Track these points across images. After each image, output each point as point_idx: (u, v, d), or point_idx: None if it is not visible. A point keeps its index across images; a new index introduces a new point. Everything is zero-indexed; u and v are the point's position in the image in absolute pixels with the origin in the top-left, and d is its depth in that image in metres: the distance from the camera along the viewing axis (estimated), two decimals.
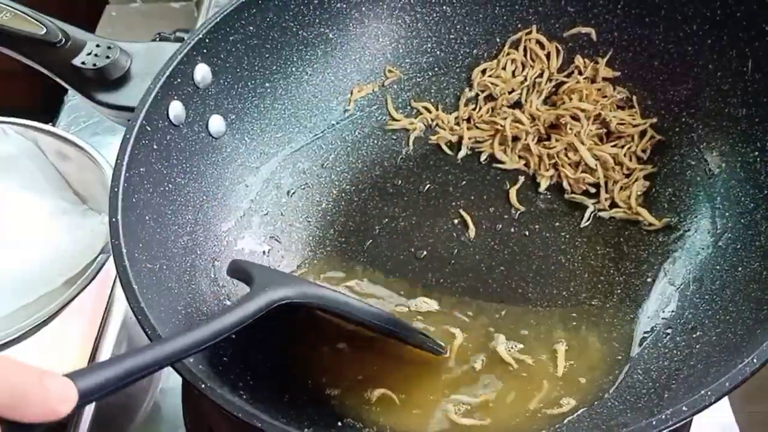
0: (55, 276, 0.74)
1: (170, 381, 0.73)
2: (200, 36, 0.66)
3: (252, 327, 0.48)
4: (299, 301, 0.51)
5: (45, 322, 0.71)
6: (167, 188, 0.63)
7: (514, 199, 0.72)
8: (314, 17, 0.74)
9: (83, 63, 0.70)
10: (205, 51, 0.67)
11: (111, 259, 0.55)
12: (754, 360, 0.46)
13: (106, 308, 0.76)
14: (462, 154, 0.76)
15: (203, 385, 0.48)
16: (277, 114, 0.74)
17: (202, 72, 0.67)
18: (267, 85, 0.73)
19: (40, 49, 0.70)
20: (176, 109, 0.65)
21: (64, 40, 0.70)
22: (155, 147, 0.63)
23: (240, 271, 0.56)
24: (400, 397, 0.59)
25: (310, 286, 0.54)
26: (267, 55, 0.72)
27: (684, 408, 0.45)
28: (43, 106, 1.05)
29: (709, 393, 0.45)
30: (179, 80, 0.65)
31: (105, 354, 0.73)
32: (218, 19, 0.67)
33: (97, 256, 0.74)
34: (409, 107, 0.78)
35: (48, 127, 0.82)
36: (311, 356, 0.63)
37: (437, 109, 0.78)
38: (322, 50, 0.76)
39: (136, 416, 0.70)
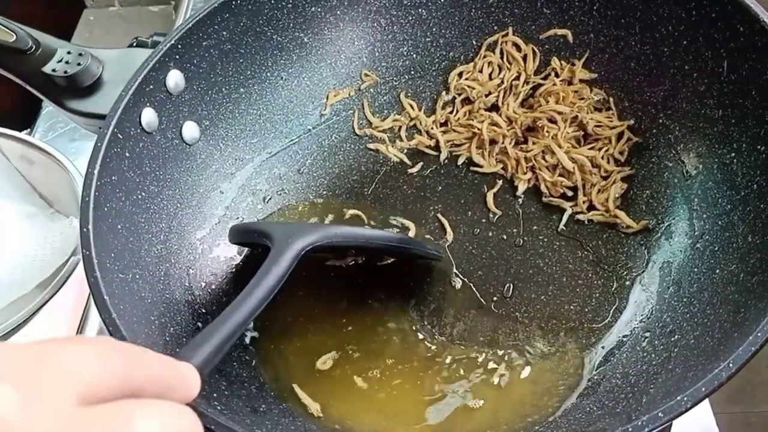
0: (26, 280, 0.73)
1: None
2: (172, 42, 0.65)
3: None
4: (322, 244, 0.55)
5: (18, 327, 0.70)
6: (140, 196, 0.63)
7: (491, 202, 0.71)
8: (288, 21, 0.73)
9: (54, 70, 0.69)
10: (177, 57, 0.66)
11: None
12: (730, 365, 0.46)
13: (84, 310, 0.75)
14: (444, 156, 0.75)
15: None
16: (252, 119, 0.73)
17: (174, 78, 0.66)
18: (241, 90, 0.72)
19: (9, 56, 0.69)
20: (149, 116, 0.64)
21: (34, 47, 0.69)
22: (127, 155, 0.62)
23: (249, 232, 0.61)
24: (377, 408, 0.59)
25: (328, 228, 0.60)
26: (241, 60, 0.71)
27: (660, 414, 0.45)
28: (20, 113, 1.04)
29: (685, 399, 0.45)
30: (151, 87, 0.64)
31: None
32: (190, 25, 0.66)
33: (68, 259, 0.73)
34: (385, 111, 0.78)
35: (11, 131, 0.81)
36: (287, 368, 0.62)
37: (420, 110, 0.78)
38: (297, 54, 0.75)
39: None
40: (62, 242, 0.75)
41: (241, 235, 0.63)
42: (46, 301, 0.71)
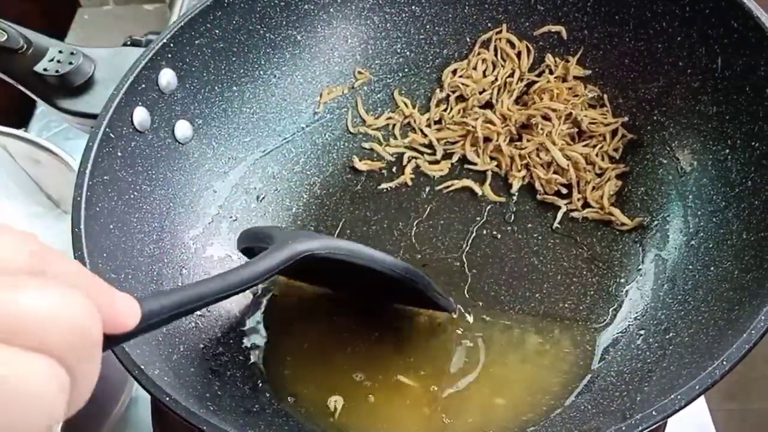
0: None
1: (141, 390, 0.72)
2: (164, 41, 0.65)
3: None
4: (322, 254, 0.51)
5: None
6: (132, 196, 0.62)
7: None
8: (281, 19, 0.73)
9: (45, 69, 0.68)
10: (169, 56, 0.66)
11: None
12: (724, 362, 0.45)
13: None
14: (440, 154, 0.75)
15: (167, 398, 0.48)
16: (245, 118, 0.73)
17: (167, 77, 0.66)
18: (234, 88, 0.72)
19: (1, 56, 0.69)
20: (141, 115, 0.64)
21: (26, 46, 0.69)
22: (119, 154, 0.62)
23: (255, 236, 0.57)
24: (365, 407, 0.59)
25: (332, 240, 0.54)
26: (234, 59, 0.71)
27: (654, 413, 0.44)
28: (14, 112, 1.04)
29: (679, 397, 0.45)
30: (143, 86, 0.64)
31: None
32: (182, 23, 0.66)
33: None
34: (379, 109, 0.78)
35: (17, 131, 0.81)
36: (279, 368, 0.62)
37: (414, 108, 0.77)
38: (290, 53, 0.75)
39: (104, 425, 0.69)
40: (68, 242, 0.75)
41: (246, 240, 0.60)
42: None
